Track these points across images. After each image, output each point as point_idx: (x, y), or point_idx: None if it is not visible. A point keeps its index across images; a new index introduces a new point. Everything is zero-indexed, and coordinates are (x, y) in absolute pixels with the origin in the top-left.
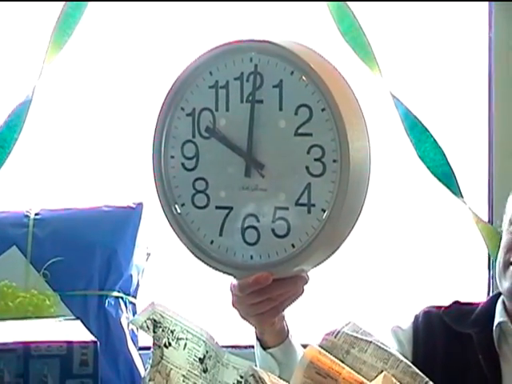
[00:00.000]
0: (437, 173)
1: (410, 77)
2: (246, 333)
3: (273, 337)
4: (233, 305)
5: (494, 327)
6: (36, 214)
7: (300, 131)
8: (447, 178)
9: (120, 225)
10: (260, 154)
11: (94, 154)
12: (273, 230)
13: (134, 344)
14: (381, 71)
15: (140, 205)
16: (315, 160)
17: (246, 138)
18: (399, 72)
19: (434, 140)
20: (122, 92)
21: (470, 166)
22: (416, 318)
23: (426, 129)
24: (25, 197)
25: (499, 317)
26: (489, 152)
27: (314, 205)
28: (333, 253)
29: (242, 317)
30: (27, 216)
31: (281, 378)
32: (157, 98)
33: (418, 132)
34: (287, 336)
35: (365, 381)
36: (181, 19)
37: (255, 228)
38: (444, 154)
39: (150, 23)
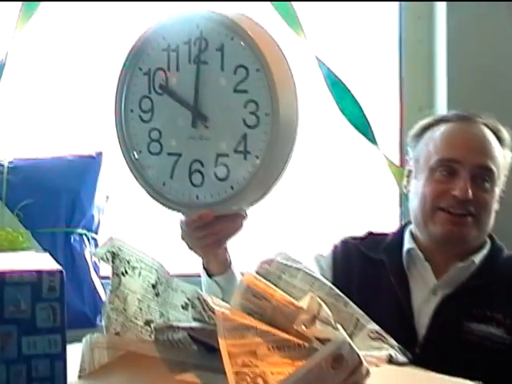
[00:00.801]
0: (355, 124)
1: (332, 41)
2: (193, 263)
3: (217, 266)
4: (182, 238)
5: (404, 253)
6: (9, 163)
7: (238, 88)
8: (364, 128)
9: (83, 171)
10: (204, 108)
11: (62, 110)
12: (215, 174)
13: (97, 273)
14: (306, 37)
15: (100, 154)
16: (250, 113)
17: (193, 94)
18: (323, 37)
19: (353, 96)
20: (88, 54)
21: (384, 119)
22: (335, 246)
23: (346, 86)
24: None
25: (408, 244)
26: (400, 106)
27: (249, 152)
28: (266, 193)
29: (190, 248)
30: (1, 164)
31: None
32: (117, 60)
33: (338, 89)
34: (229, 265)
35: (295, 302)
36: None
37: (200, 172)
38: (361, 108)
39: None
